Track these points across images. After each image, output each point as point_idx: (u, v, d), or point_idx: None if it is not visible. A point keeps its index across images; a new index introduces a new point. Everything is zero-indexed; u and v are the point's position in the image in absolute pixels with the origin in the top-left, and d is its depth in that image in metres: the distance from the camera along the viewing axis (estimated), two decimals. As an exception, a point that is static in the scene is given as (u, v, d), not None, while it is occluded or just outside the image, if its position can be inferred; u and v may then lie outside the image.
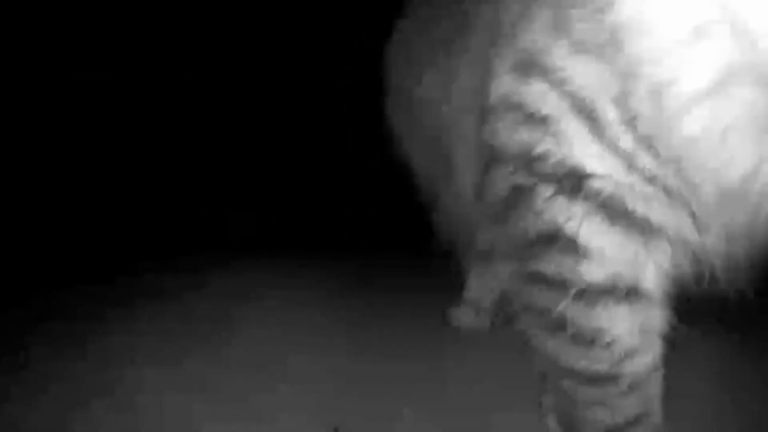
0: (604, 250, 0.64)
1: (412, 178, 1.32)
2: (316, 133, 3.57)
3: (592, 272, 0.65)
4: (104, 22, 2.81)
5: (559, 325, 0.67)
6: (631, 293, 0.65)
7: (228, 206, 3.34)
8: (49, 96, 2.76)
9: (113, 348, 1.21)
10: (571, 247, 0.65)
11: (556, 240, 0.66)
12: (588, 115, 0.62)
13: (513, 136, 0.68)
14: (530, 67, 0.66)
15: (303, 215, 3.44)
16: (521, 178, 0.68)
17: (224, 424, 0.90)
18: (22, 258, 2.05)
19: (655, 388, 0.69)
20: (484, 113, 0.73)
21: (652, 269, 0.66)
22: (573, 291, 0.65)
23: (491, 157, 0.72)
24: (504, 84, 0.70)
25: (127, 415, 0.93)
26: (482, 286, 1.39)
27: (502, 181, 0.71)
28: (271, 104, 3.45)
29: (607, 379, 0.67)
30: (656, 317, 0.67)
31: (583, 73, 0.62)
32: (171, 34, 3.03)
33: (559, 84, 0.63)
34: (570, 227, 0.65)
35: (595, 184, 0.63)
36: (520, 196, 0.69)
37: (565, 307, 0.66)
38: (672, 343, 0.70)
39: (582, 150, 0.63)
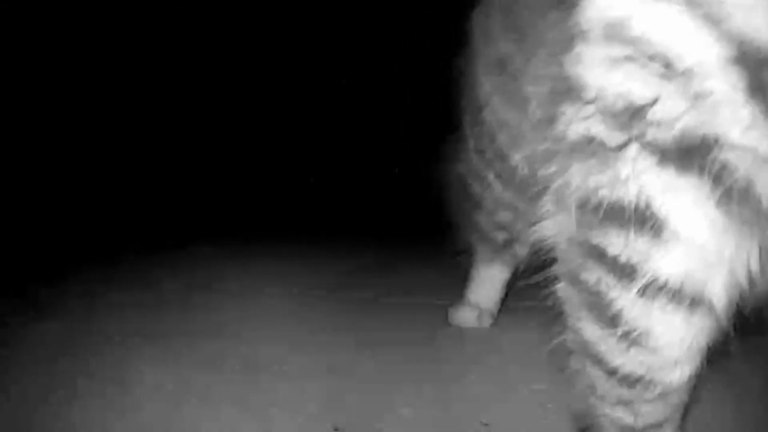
0: (695, 240, 0.53)
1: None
2: (318, 128, 3.57)
3: (667, 265, 0.55)
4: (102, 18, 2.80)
5: (609, 315, 0.59)
6: (694, 302, 0.56)
7: (228, 204, 3.33)
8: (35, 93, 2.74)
9: (110, 348, 1.21)
10: (655, 229, 0.54)
11: (636, 217, 0.54)
12: (754, 67, 0.45)
13: (607, 77, 0.53)
14: None
15: (303, 213, 3.44)
16: (600, 130, 0.55)
17: (224, 424, 0.90)
18: (13, 260, 2.05)
19: (684, 396, 0.64)
20: (572, 37, 0.56)
21: (724, 279, 0.56)
22: (638, 283, 0.55)
23: (566, 88, 0.58)
24: (611, 5, 0.51)
25: (124, 416, 0.93)
26: (486, 287, 1.38)
27: (573, 123, 0.57)
28: (276, 99, 3.45)
29: (641, 382, 0.60)
30: (710, 331, 0.59)
31: (760, 9, 0.44)
32: (170, 33, 3.03)
33: (717, 22, 0.46)
34: (663, 206, 0.53)
35: (729, 157, 0.49)
36: (592, 149, 0.56)
37: (622, 297, 0.57)
38: (717, 354, 0.64)
39: (729, 115, 0.48)
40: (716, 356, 0.64)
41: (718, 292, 0.56)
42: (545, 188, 0.67)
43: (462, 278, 1.42)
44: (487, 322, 1.35)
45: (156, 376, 1.07)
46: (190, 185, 3.28)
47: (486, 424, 0.90)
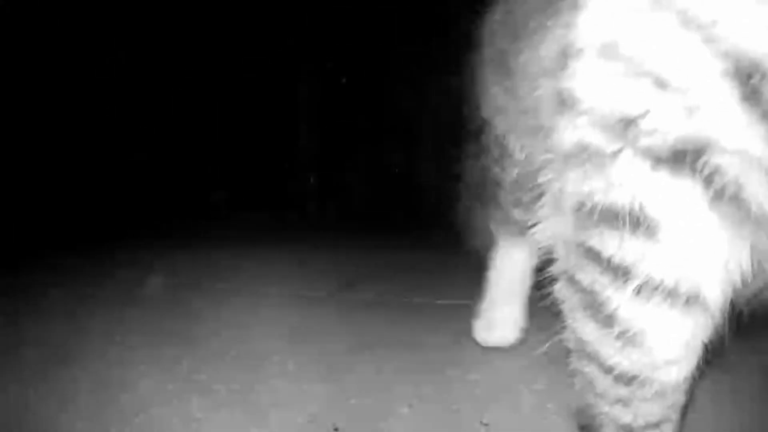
0: (688, 241, 0.55)
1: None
2: (320, 128, 3.57)
3: (661, 265, 0.56)
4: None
5: (604, 315, 0.60)
6: (689, 301, 0.57)
7: (228, 204, 3.33)
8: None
9: (110, 348, 1.21)
10: (649, 231, 0.55)
11: (630, 219, 0.56)
12: (745, 77, 0.48)
13: (602, 91, 0.55)
14: (658, 6, 0.51)
15: (303, 212, 3.44)
16: (594, 138, 0.57)
17: (223, 424, 0.90)
18: (12, 260, 2.05)
19: (681, 396, 0.65)
20: (567, 53, 0.60)
21: (718, 278, 0.57)
22: (632, 283, 0.57)
23: (562, 101, 0.61)
24: (605, 23, 0.54)
25: (124, 416, 0.93)
26: (506, 277, 1.27)
27: (568, 132, 0.60)
28: (275, 95, 3.45)
29: (637, 381, 0.61)
30: (705, 330, 0.60)
31: (752, 25, 0.47)
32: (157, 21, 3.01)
33: (714, 41, 0.49)
34: (656, 208, 0.55)
35: (720, 161, 0.51)
36: (587, 156, 0.58)
37: (617, 297, 0.58)
38: (715, 353, 0.64)
39: (721, 123, 0.50)
40: (713, 355, 0.64)
41: (713, 291, 0.57)
42: (542, 193, 0.69)
43: (461, 279, 1.42)
44: (511, 337, 1.23)
45: (156, 376, 1.07)
46: (191, 185, 3.28)
47: (486, 424, 0.90)
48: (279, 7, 3.21)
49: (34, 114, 2.76)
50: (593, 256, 0.60)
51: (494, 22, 1.18)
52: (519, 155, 1.12)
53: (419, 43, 3.03)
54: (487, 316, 1.24)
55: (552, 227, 0.67)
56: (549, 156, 0.66)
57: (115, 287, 1.71)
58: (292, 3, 3.23)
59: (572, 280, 0.64)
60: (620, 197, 0.56)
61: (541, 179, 0.69)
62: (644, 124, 0.53)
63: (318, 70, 3.52)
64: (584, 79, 0.57)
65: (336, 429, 0.88)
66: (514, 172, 1.21)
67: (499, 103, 1.17)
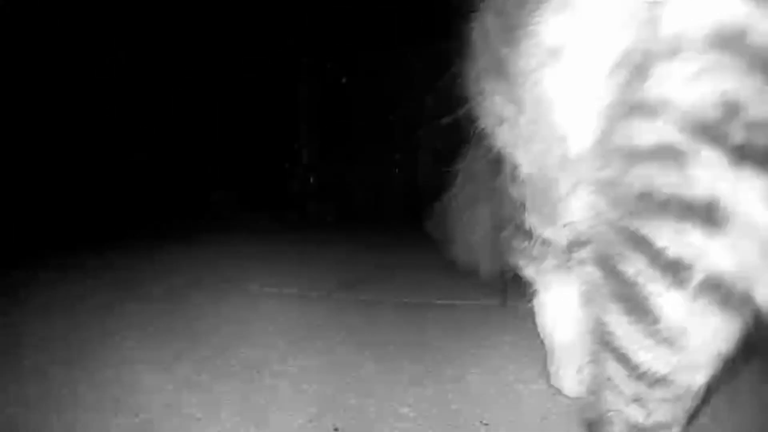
0: (758, 235, 0.52)
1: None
2: (320, 129, 3.57)
3: (722, 262, 0.53)
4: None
5: (643, 309, 0.56)
6: (741, 302, 0.54)
7: (229, 202, 3.33)
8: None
9: (110, 348, 1.21)
10: (718, 224, 0.52)
11: (701, 212, 0.53)
12: None
13: (700, 88, 0.52)
14: None
15: (305, 211, 3.43)
16: (675, 138, 0.54)
17: (224, 424, 0.90)
18: (12, 261, 2.05)
19: (699, 398, 0.61)
20: (644, 57, 0.57)
21: None
22: (689, 279, 0.53)
23: (638, 106, 0.57)
24: (720, 15, 0.51)
25: (124, 416, 0.93)
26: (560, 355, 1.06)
27: (644, 134, 0.56)
28: (274, 96, 3.45)
29: (662, 382, 0.58)
30: (742, 332, 0.57)
31: None
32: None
33: None
34: (732, 202, 0.52)
35: None
36: (665, 154, 0.55)
37: (664, 292, 0.55)
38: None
39: None
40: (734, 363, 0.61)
41: (766, 292, 0.54)
42: (580, 177, 0.65)
43: (461, 279, 1.42)
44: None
45: (156, 376, 1.07)
46: (191, 185, 3.28)
47: (486, 424, 0.90)
48: (279, 7, 3.20)
49: (35, 114, 2.76)
50: (644, 245, 0.56)
51: (488, 25, 1.08)
52: (528, 169, 1.00)
53: (419, 43, 3.02)
54: (556, 379, 1.04)
55: (592, 209, 0.62)
56: (604, 149, 0.61)
57: (115, 287, 1.71)
58: (292, 3, 3.23)
59: (610, 270, 0.59)
60: (696, 191, 0.53)
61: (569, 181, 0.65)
62: (750, 117, 0.50)
63: (318, 70, 3.51)
64: (677, 78, 0.53)
65: (336, 429, 0.88)
66: (523, 188, 1.09)
67: (502, 113, 1.10)
